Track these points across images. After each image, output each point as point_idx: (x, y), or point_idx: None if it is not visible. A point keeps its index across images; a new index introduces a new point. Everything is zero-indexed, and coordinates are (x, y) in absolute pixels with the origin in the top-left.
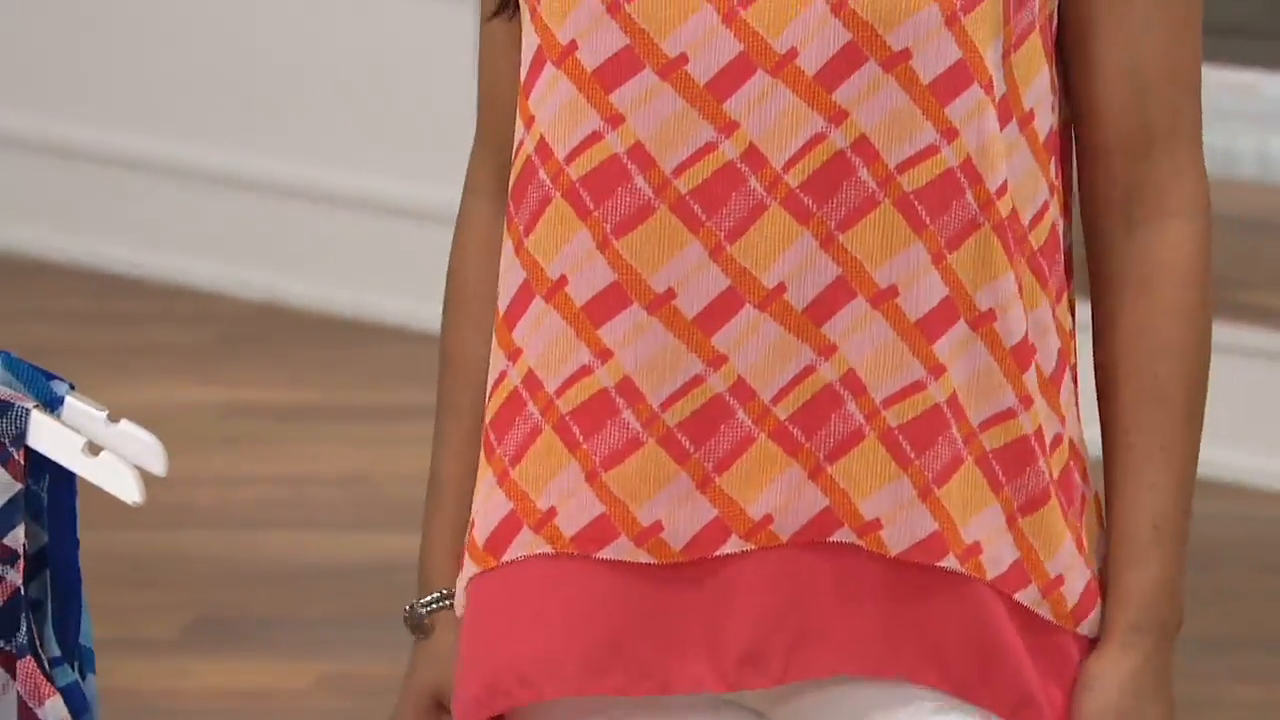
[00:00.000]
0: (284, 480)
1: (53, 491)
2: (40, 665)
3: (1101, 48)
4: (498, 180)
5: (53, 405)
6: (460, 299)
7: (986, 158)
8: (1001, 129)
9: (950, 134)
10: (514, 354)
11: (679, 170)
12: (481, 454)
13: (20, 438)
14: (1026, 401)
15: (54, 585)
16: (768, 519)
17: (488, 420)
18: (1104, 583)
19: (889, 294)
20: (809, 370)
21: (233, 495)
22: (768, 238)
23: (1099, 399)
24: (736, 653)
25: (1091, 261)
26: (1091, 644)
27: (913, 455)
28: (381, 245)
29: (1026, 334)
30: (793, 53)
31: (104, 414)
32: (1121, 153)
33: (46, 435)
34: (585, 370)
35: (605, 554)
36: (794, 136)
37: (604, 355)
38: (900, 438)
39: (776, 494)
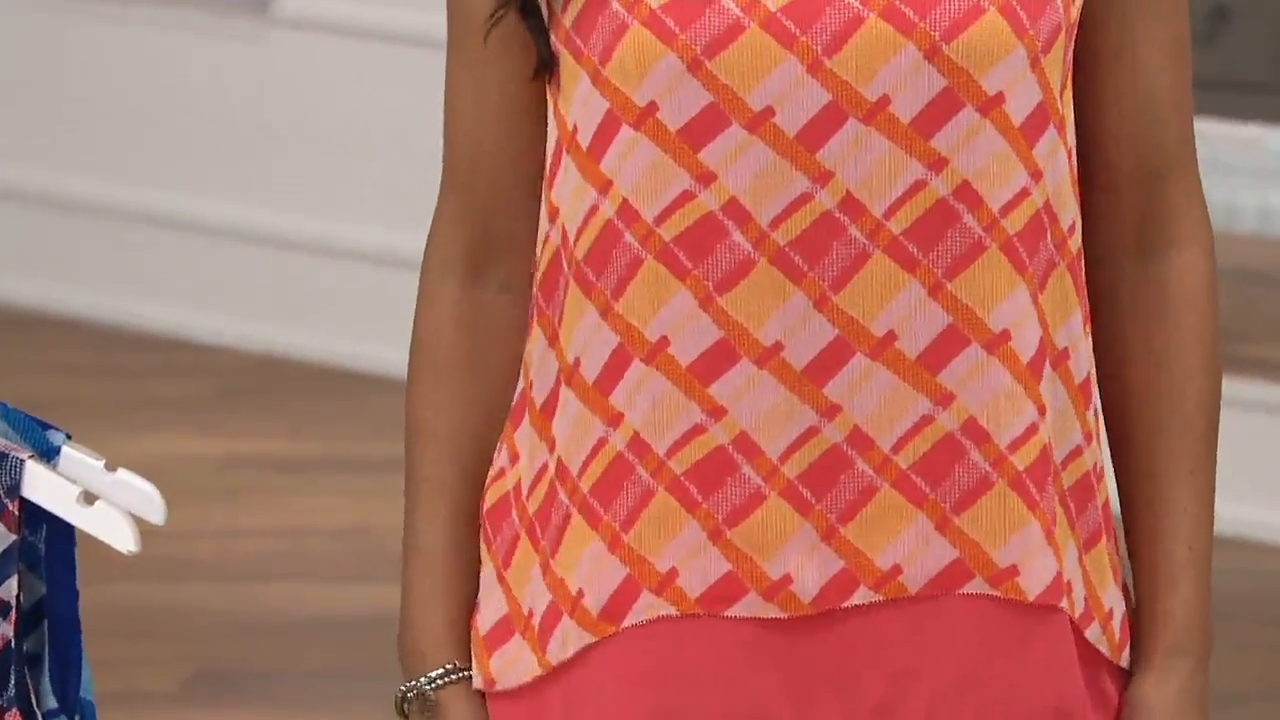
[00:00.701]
0: (284, 532)
1: (51, 543)
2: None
3: (1117, 80)
4: (469, 252)
5: (49, 455)
6: (435, 371)
7: (1061, 197)
8: (1072, 163)
9: (1037, 175)
10: (614, 419)
11: (776, 223)
12: (579, 522)
13: (15, 489)
14: (1089, 438)
15: (53, 637)
16: (896, 570)
17: (588, 488)
18: (1135, 610)
19: (1002, 339)
20: (927, 420)
21: (232, 547)
22: (873, 286)
23: (1117, 430)
24: (870, 706)
25: (1099, 292)
26: (1124, 674)
27: (1038, 498)
28: (380, 297)
29: (1089, 371)
30: (885, 100)
31: (101, 463)
32: (1136, 181)
33: (41, 485)
34: (698, 429)
35: (734, 611)
36: (893, 184)
37: (717, 413)
38: (1028, 481)
39: (904, 545)
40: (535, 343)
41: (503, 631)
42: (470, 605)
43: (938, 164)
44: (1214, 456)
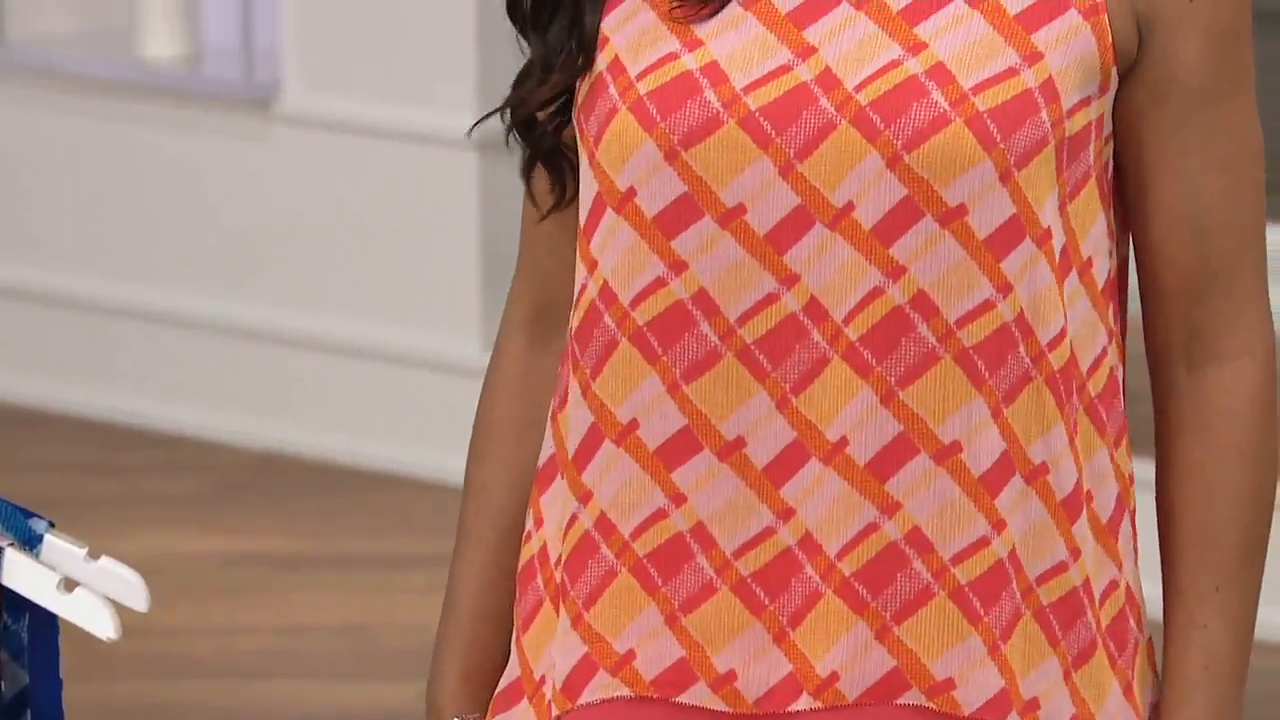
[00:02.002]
0: (283, 630)
1: (33, 631)
2: None
3: (1160, 192)
4: (533, 314)
5: (32, 544)
6: (488, 430)
7: (1038, 311)
8: (1063, 279)
9: (1005, 289)
10: (585, 496)
11: (743, 319)
12: (547, 598)
13: None
14: (1075, 554)
15: None
16: (834, 677)
17: (559, 561)
18: None
19: (952, 450)
20: (872, 528)
21: (232, 645)
22: (830, 391)
23: (1159, 539)
24: None
25: (1155, 401)
26: None
27: (982, 612)
28: (379, 393)
29: (1078, 485)
30: (850, 206)
31: (83, 551)
32: (1181, 295)
33: (20, 573)
34: (661, 514)
35: (684, 698)
36: (853, 290)
37: (678, 499)
38: (970, 595)
39: (843, 652)
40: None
41: (512, 694)
42: (499, 662)
43: (895, 272)
44: (1253, 575)
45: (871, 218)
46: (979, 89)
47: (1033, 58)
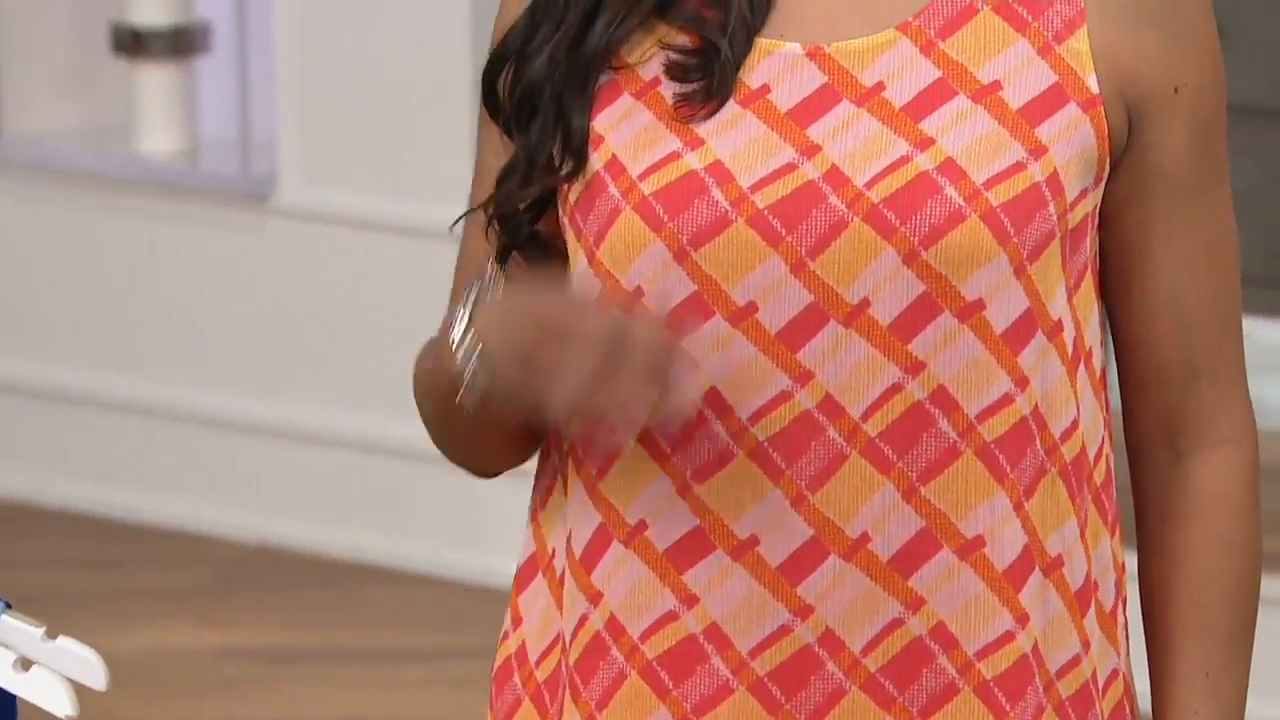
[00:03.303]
0: None
1: None
2: None
3: (1144, 283)
4: None
5: None
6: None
7: (1051, 404)
8: (1074, 371)
9: (1022, 382)
10: (594, 597)
11: (755, 417)
12: (566, 696)
13: None
14: (1087, 645)
15: None
16: None
17: (571, 662)
18: None
19: (976, 545)
20: (897, 623)
21: None
22: (849, 488)
23: (1145, 625)
24: None
25: (1136, 488)
26: None
27: (1008, 707)
28: (376, 487)
29: (1089, 576)
30: (865, 303)
31: (41, 630)
32: (1165, 385)
33: None
34: (671, 615)
35: None
36: (871, 387)
37: (690, 601)
38: (996, 690)
39: None
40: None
41: None
42: None
43: (914, 368)
44: (1242, 660)
45: (889, 314)
46: (991, 184)
47: (1038, 151)
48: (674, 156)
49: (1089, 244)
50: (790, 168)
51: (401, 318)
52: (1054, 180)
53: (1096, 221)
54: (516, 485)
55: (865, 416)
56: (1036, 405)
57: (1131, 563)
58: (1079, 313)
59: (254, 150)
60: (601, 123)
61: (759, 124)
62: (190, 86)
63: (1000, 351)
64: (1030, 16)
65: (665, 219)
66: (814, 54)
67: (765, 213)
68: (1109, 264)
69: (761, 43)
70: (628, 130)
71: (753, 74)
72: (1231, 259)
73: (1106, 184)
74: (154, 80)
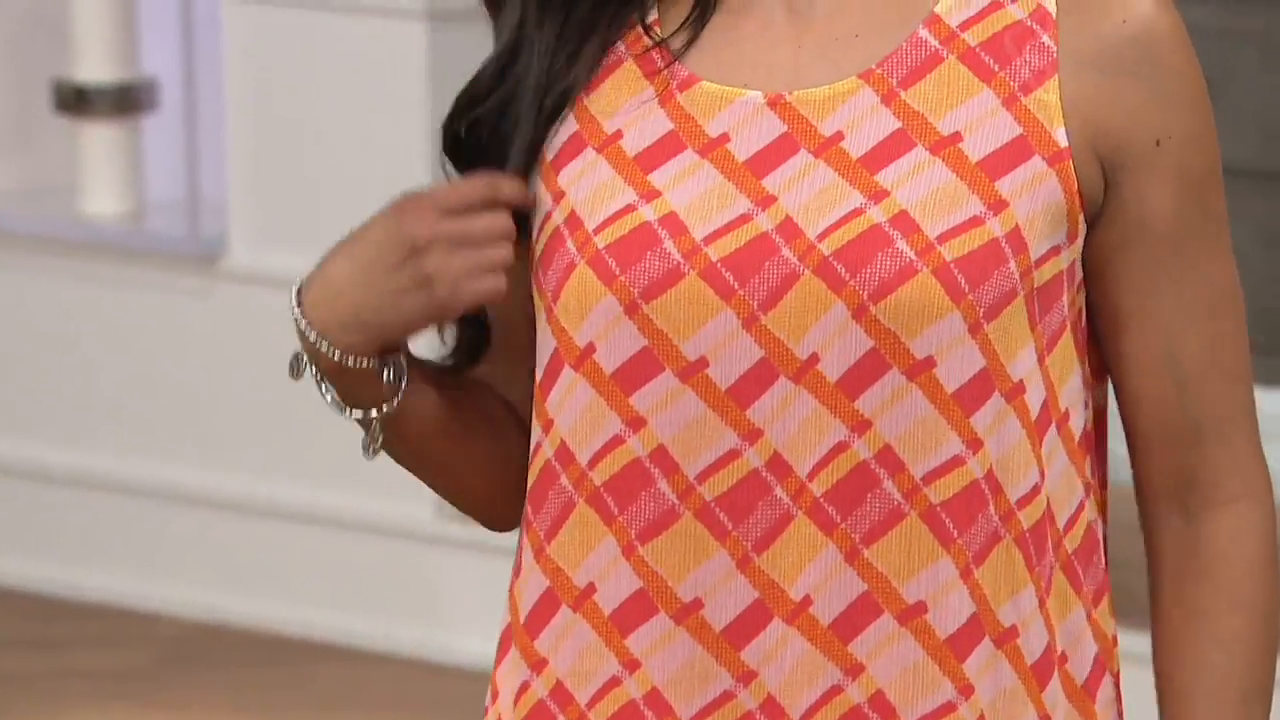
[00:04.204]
0: None
1: None
2: None
3: (1136, 341)
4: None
5: None
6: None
7: (1008, 467)
8: (1040, 435)
9: (975, 444)
10: (538, 664)
11: (702, 477)
12: None
13: None
14: (1046, 719)
15: None
16: None
17: None
18: None
19: (917, 610)
20: (836, 690)
21: None
22: (793, 549)
23: (1156, 686)
24: None
25: (1149, 548)
26: None
27: None
28: (326, 561)
29: (1050, 647)
30: (814, 359)
31: None
32: (1169, 443)
33: None
34: (614, 681)
35: None
36: (817, 445)
37: (631, 665)
38: None
39: None
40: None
41: None
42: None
43: (861, 426)
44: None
45: (836, 370)
46: (945, 238)
47: (998, 206)
48: (629, 209)
49: (1066, 303)
50: (744, 219)
51: None
52: (1015, 236)
53: (1077, 279)
54: (474, 557)
55: (811, 476)
56: (991, 468)
57: (1138, 642)
58: (1052, 374)
59: (203, 211)
60: (565, 177)
61: (716, 174)
62: (136, 145)
63: (950, 411)
64: (997, 66)
65: (617, 272)
66: (774, 102)
67: (718, 265)
68: (1102, 320)
69: (723, 90)
70: (587, 185)
71: (712, 122)
72: (1233, 312)
73: (1089, 238)
74: (98, 139)
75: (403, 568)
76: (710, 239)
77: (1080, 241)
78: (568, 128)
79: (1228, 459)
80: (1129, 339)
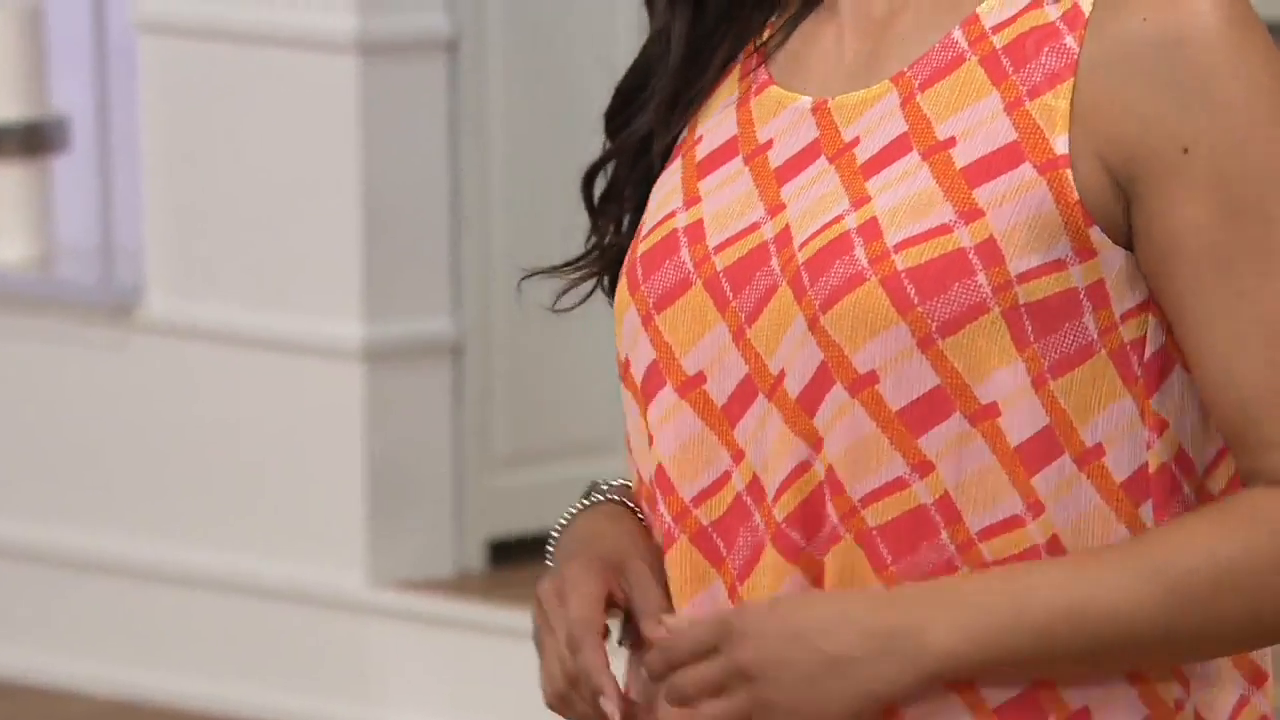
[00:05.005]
0: None
1: None
2: None
3: (1195, 364)
4: None
5: None
6: None
7: (969, 495)
8: (1037, 465)
9: (923, 467)
10: None
11: (698, 500)
12: None
13: None
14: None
15: None
16: None
17: None
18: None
19: None
20: None
21: None
22: (766, 579)
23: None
24: None
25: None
26: None
27: None
28: (252, 633)
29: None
30: (782, 374)
31: None
32: (1238, 451)
33: None
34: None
35: None
36: (782, 465)
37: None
38: None
39: None
40: None
41: None
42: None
43: (817, 444)
44: (1160, 620)
45: (797, 385)
46: (902, 246)
47: (971, 214)
48: (670, 216)
49: (1093, 325)
50: (754, 227)
51: (281, 443)
52: (988, 247)
53: (1122, 301)
54: (408, 627)
55: (775, 498)
56: (947, 494)
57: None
58: (1065, 401)
59: (117, 257)
60: (656, 186)
61: (749, 181)
62: (46, 187)
63: (894, 431)
64: (1013, 68)
65: (641, 281)
66: (818, 108)
67: (721, 275)
68: (1174, 334)
69: (783, 96)
70: (659, 190)
71: (764, 128)
72: None
73: (1137, 258)
74: (5, 181)
75: (332, 639)
76: (721, 247)
77: (1107, 259)
78: (682, 135)
79: None
80: (1190, 362)
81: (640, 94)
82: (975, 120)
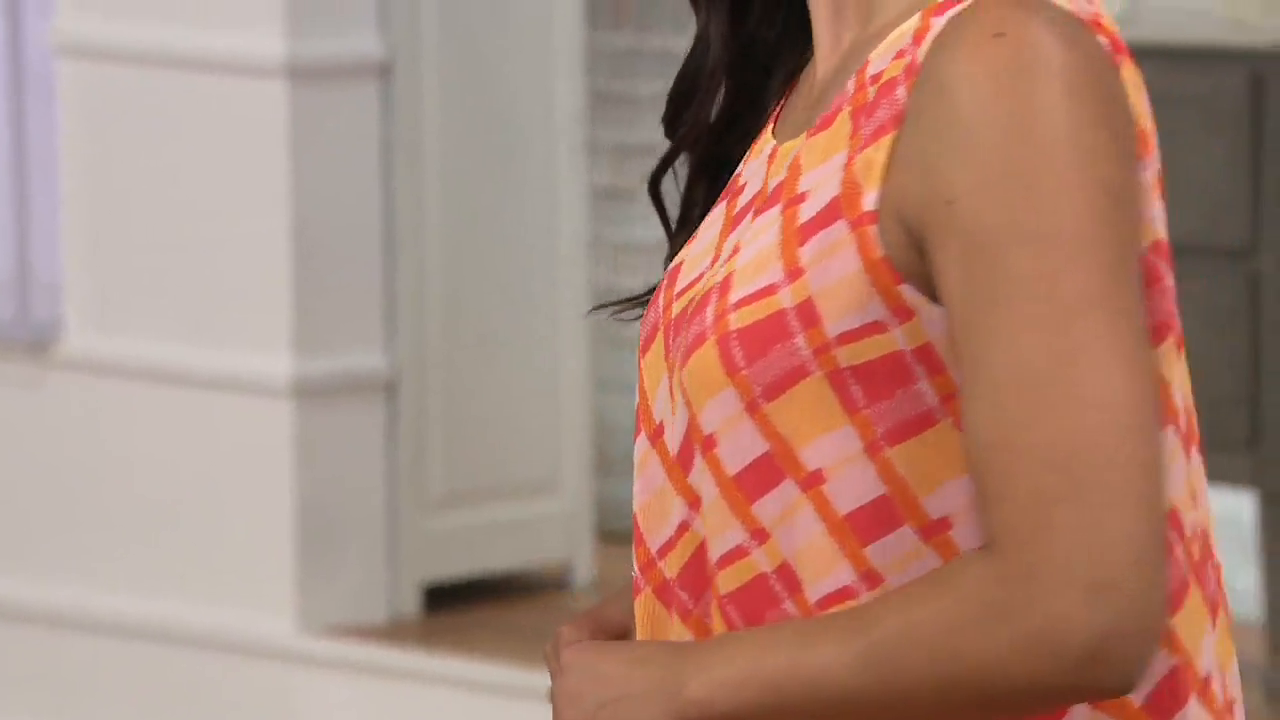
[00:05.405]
0: None
1: None
2: None
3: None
4: None
5: None
6: None
7: (805, 564)
8: (871, 535)
9: (760, 535)
10: None
11: (662, 551)
12: None
13: None
14: None
15: None
16: None
17: None
18: None
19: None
20: None
21: None
22: (673, 638)
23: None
24: None
25: None
26: None
27: None
28: (176, 682)
29: None
30: (662, 427)
31: None
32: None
33: None
34: None
35: None
36: (669, 524)
37: None
38: None
39: None
40: None
41: None
42: None
43: (695, 503)
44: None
45: (674, 443)
46: (739, 305)
47: (794, 274)
48: (676, 258)
49: (934, 390)
50: (700, 276)
51: (206, 484)
52: (806, 309)
53: (956, 363)
54: (339, 675)
55: (661, 554)
56: (785, 563)
57: None
58: (905, 469)
59: (34, 291)
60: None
61: (719, 224)
62: None
63: (733, 496)
64: (865, 120)
65: (640, 324)
66: (774, 153)
67: (674, 322)
68: None
69: (767, 138)
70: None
71: (745, 169)
72: (1047, 399)
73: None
74: None
75: (259, 689)
76: (681, 293)
77: (926, 319)
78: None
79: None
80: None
81: (693, 96)
82: (824, 175)
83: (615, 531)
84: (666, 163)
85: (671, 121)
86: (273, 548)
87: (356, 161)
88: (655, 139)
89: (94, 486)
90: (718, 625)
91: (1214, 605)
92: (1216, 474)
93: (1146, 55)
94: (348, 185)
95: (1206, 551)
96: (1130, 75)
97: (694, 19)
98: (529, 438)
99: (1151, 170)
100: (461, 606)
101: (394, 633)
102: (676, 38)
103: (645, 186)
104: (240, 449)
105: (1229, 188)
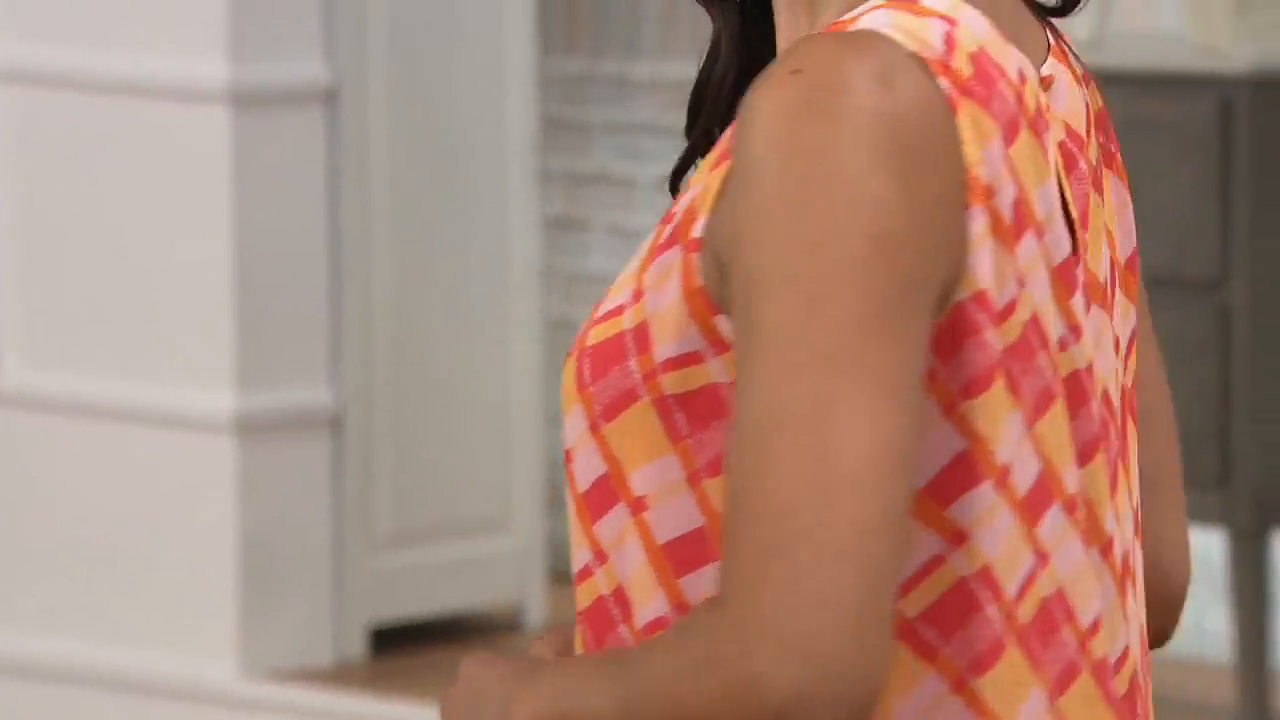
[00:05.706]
0: None
1: None
2: None
3: None
4: None
5: None
6: None
7: (632, 590)
8: (688, 567)
9: (600, 556)
10: None
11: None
12: None
13: None
14: None
15: None
16: None
17: None
18: None
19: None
20: None
21: None
22: None
23: None
24: None
25: None
26: None
27: None
28: None
29: None
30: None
31: None
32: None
33: None
34: None
35: None
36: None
37: None
38: None
39: None
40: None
41: None
42: None
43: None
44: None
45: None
46: (598, 322)
47: (637, 295)
48: None
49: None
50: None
51: (147, 524)
52: (640, 332)
53: None
54: None
55: (578, 581)
56: (619, 587)
57: None
58: (718, 503)
59: None
60: None
61: None
62: None
63: (581, 513)
64: (724, 142)
65: None
66: None
67: None
68: None
69: None
70: None
71: None
72: (765, 456)
73: None
74: None
75: None
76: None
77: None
78: None
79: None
80: None
81: (708, 99)
82: (689, 196)
83: (568, 571)
84: (684, 165)
85: (690, 124)
86: (214, 589)
87: (301, 190)
88: (608, 166)
89: (28, 524)
90: (578, 643)
91: (1066, 672)
92: (1195, 514)
93: (1115, 82)
94: (292, 215)
95: (1061, 616)
96: (973, 120)
97: (647, 44)
98: (479, 474)
99: (981, 221)
100: (410, 649)
101: (340, 676)
102: (630, 63)
103: (597, 215)
104: (182, 487)
105: (1198, 216)
